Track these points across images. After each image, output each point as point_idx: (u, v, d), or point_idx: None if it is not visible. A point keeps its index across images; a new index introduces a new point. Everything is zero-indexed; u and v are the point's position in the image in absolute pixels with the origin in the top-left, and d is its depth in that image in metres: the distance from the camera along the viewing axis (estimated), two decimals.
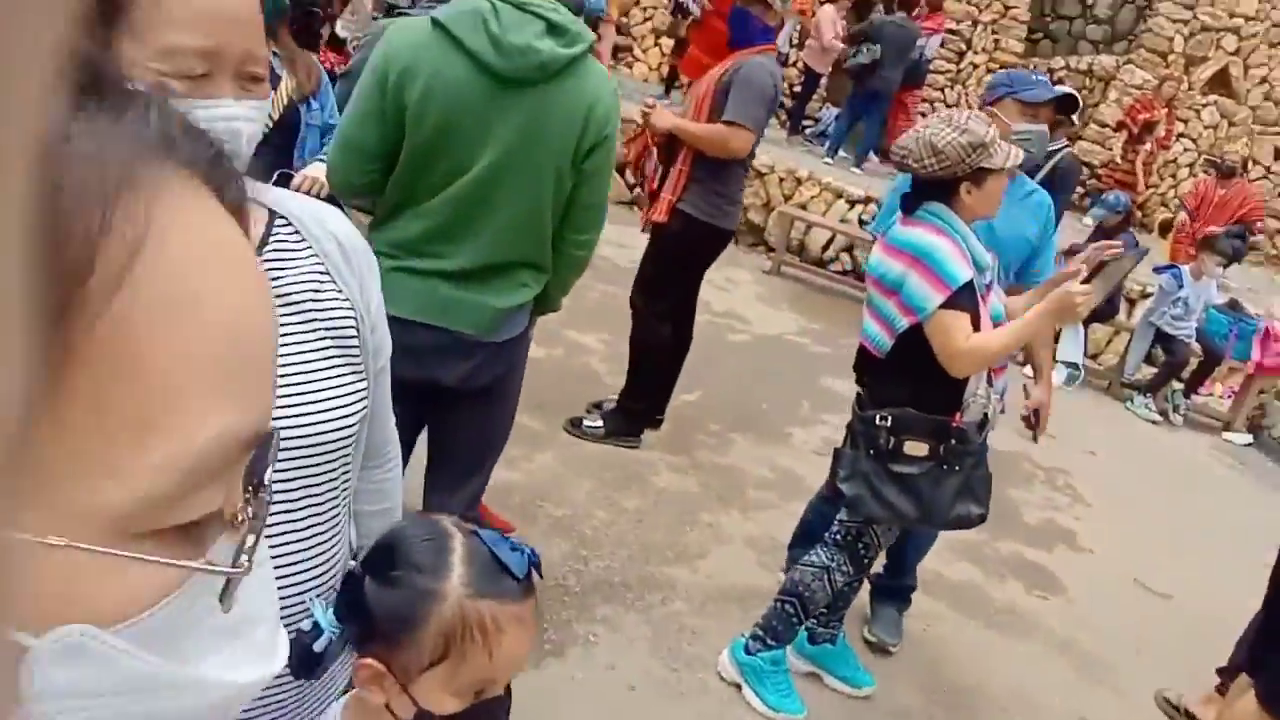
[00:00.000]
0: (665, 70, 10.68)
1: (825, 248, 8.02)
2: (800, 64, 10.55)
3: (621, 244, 5.70)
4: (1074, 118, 3.89)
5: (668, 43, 10.76)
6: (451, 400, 2.33)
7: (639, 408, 4.11)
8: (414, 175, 2.14)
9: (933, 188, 2.53)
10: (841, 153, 9.74)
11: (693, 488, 3.95)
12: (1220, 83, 11.39)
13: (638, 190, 5.32)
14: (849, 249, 7.96)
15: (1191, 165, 11.51)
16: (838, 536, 2.81)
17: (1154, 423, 6.96)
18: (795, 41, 10.55)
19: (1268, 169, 11.55)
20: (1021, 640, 3.60)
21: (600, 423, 4.09)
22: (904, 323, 2.51)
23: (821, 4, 10.11)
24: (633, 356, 4.07)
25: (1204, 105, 11.45)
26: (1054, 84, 3.37)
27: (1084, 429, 6.02)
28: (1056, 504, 4.89)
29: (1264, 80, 11.40)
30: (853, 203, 8.19)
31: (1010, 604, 3.81)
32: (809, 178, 8.24)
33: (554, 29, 2.10)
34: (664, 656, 2.94)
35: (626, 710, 2.71)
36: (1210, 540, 4.97)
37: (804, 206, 8.12)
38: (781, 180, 8.25)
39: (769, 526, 3.76)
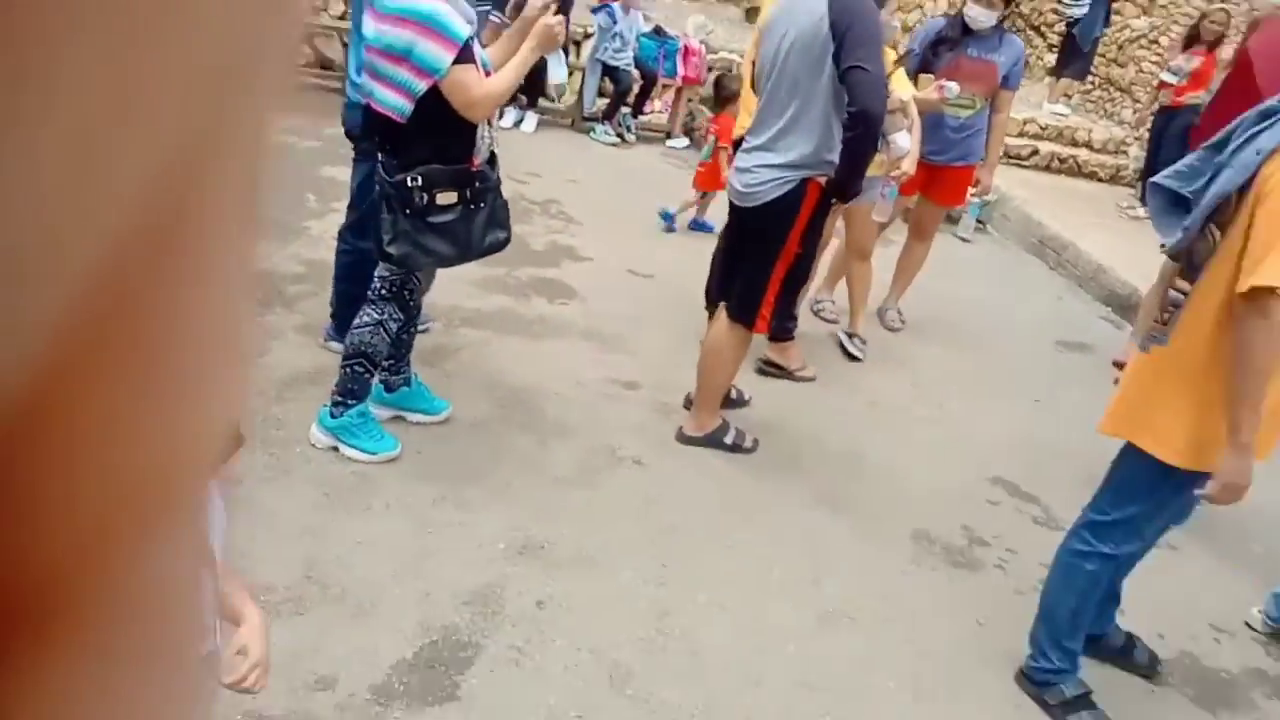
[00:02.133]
0: None
1: None
2: None
3: None
4: None
5: None
6: None
7: None
8: None
9: None
10: None
11: None
12: None
13: None
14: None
15: None
16: (383, 291, 3.14)
17: (614, 145, 7.94)
18: None
19: None
20: (557, 339, 4.27)
21: None
22: (422, 85, 2.79)
23: None
24: None
25: None
26: None
27: (562, 163, 6.79)
28: (555, 229, 5.60)
29: None
30: None
31: (540, 315, 4.46)
32: None
33: None
34: (257, 449, 3.17)
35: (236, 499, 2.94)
36: (673, 229, 6.04)
37: None
38: None
39: (315, 315, 3.98)
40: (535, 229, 5.51)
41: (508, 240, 3.24)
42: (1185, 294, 2.37)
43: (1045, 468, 3.99)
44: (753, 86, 3.71)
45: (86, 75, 0.14)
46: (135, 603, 0.19)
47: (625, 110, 8.26)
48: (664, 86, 8.73)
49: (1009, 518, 3.63)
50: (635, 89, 8.35)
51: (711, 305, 4.49)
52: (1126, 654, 2.94)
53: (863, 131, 3.20)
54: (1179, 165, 2.50)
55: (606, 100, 8.22)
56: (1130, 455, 2.53)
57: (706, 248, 5.90)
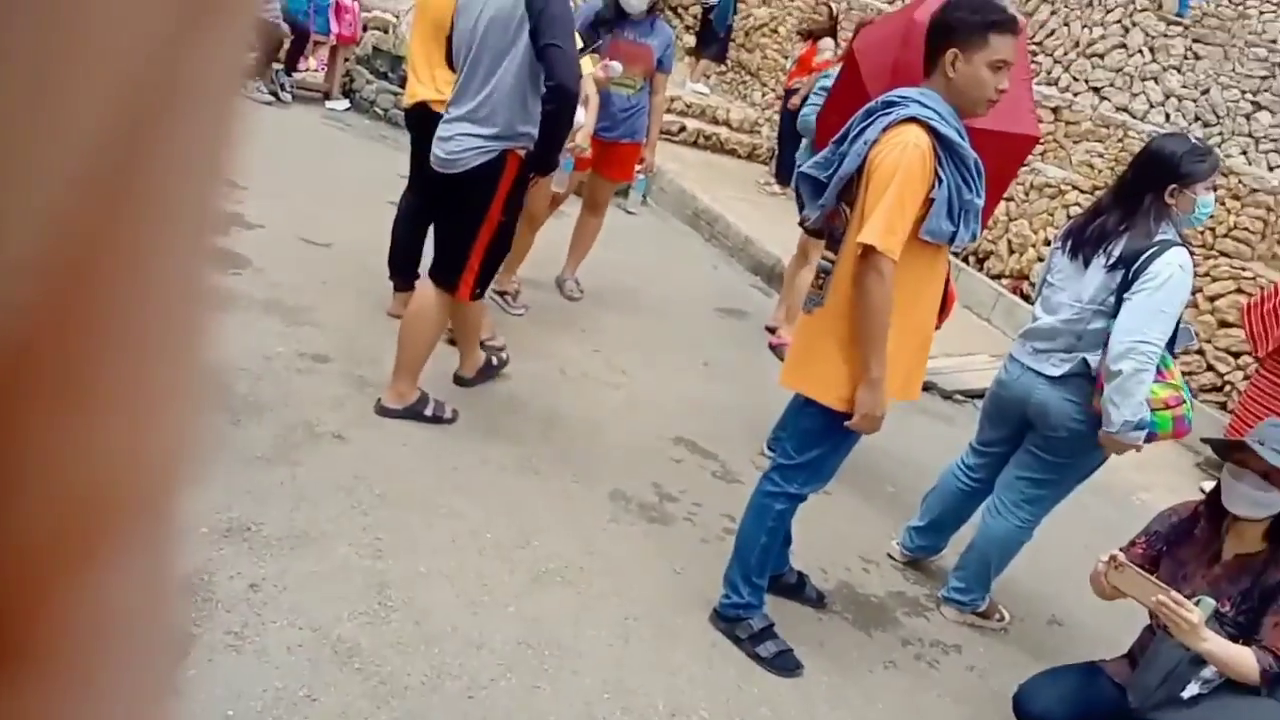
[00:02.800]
0: None
1: None
2: None
3: None
4: None
5: None
6: None
7: None
8: None
9: None
10: None
11: None
12: None
13: None
14: None
15: None
16: None
17: (269, 104, 7.51)
18: None
19: None
20: (236, 313, 4.04)
21: None
22: None
23: None
24: None
25: None
26: None
27: None
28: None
29: None
30: None
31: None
32: None
33: None
34: None
35: None
36: (345, 192, 5.86)
37: None
38: None
39: None
40: None
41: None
42: (832, 262, 2.78)
43: (719, 426, 4.37)
44: (447, 60, 3.71)
45: (42, 14, 0.14)
46: (92, 633, 0.18)
47: (278, 67, 7.83)
48: (317, 44, 8.37)
49: (692, 474, 3.94)
50: (286, 44, 7.94)
51: (396, 276, 4.45)
52: (799, 590, 3.32)
53: (559, 106, 3.36)
54: (817, 157, 2.91)
55: (254, 55, 7.74)
56: (806, 405, 2.88)
57: (384, 216, 5.79)
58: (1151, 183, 3.07)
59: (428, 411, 3.69)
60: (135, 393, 0.18)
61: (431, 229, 3.97)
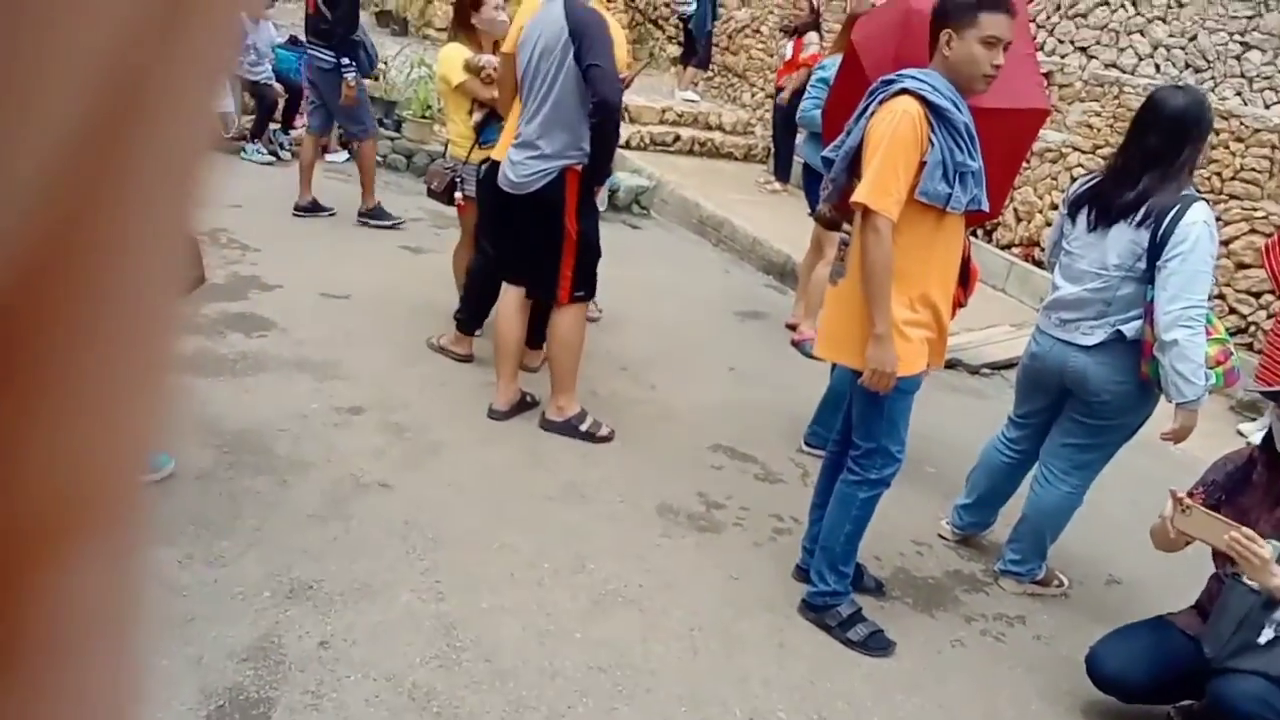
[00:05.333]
0: None
1: None
2: None
3: None
4: None
5: None
6: None
7: None
8: None
9: None
10: None
11: None
12: None
13: None
14: None
15: None
16: None
17: (269, 164, 7.59)
18: None
19: None
20: (266, 374, 4.09)
21: None
22: None
23: None
24: None
25: None
26: None
27: (218, 188, 6.39)
28: (232, 259, 5.31)
29: None
30: None
31: (241, 352, 4.24)
32: None
33: None
34: None
35: None
36: (356, 243, 5.93)
37: None
38: None
39: None
40: (210, 261, 5.19)
41: (201, 279, 3.10)
42: (850, 234, 2.95)
43: (753, 428, 4.39)
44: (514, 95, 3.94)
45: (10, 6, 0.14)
46: (62, 630, 0.18)
47: (275, 127, 7.91)
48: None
49: (734, 479, 3.96)
50: (280, 103, 8.02)
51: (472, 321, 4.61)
52: (857, 580, 3.33)
53: (604, 119, 3.68)
54: (836, 141, 3.04)
55: (251, 118, 7.83)
56: (855, 388, 2.93)
57: (396, 260, 5.87)
58: (1177, 141, 3.09)
59: (583, 427, 4.02)
60: (107, 387, 0.18)
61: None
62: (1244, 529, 2.49)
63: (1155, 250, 3.03)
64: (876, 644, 3.05)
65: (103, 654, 0.20)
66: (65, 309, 0.16)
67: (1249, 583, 2.58)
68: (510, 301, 4.08)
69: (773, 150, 9.01)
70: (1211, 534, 2.56)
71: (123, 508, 0.19)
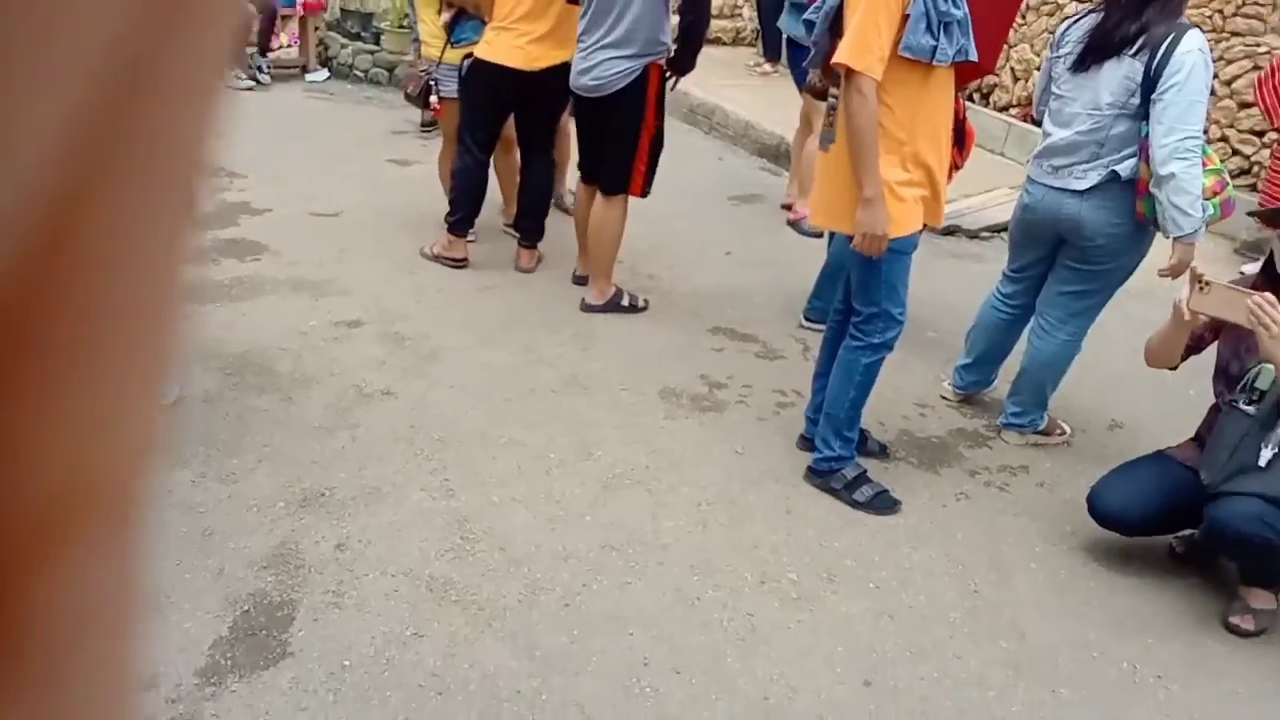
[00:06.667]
0: None
1: None
2: None
3: None
4: None
5: None
6: None
7: None
8: None
9: None
10: None
11: None
12: None
13: None
14: None
15: None
16: None
17: (250, 89, 7.49)
18: None
19: None
20: (263, 296, 4.11)
21: None
22: None
23: None
24: None
25: None
26: None
27: None
28: (223, 186, 5.28)
29: None
30: None
31: (236, 277, 4.25)
32: None
33: None
34: None
35: None
36: (342, 160, 5.89)
37: None
38: None
39: None
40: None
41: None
42: (837, 98, 2.86)
43: (753, 308, 4.40)
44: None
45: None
46: (63, 626, 0.18)
47: (251, 49, 7.79)
48: (284, 18, 8.29)
49: (736, 359, 3.98)
50: (255, 24, 7.88)
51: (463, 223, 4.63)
52: (860, 445, 3.37)
53: (698, 15, 3.96)
54: (817, 2, 2.96)
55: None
56: (853, 254, 2.92)
57: (384, 175, 5.83)
58: None
59: (624, 302, 4.26)
60: (110, 381, 0.18)
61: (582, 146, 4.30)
62: (1266, 294, 2.49)
63: (1150, 83, 2.97)
64: (882, 504, 3.10)
65: (104, 651, 0.20)
66: (68, 299, 0.16)
67: (1245, 408, 2.59)
68: (589, 202, 4.23)
69: (760, 30, 8.80)
70: (1231, 308, 2.56)
71: (125, 505, 0.19)
